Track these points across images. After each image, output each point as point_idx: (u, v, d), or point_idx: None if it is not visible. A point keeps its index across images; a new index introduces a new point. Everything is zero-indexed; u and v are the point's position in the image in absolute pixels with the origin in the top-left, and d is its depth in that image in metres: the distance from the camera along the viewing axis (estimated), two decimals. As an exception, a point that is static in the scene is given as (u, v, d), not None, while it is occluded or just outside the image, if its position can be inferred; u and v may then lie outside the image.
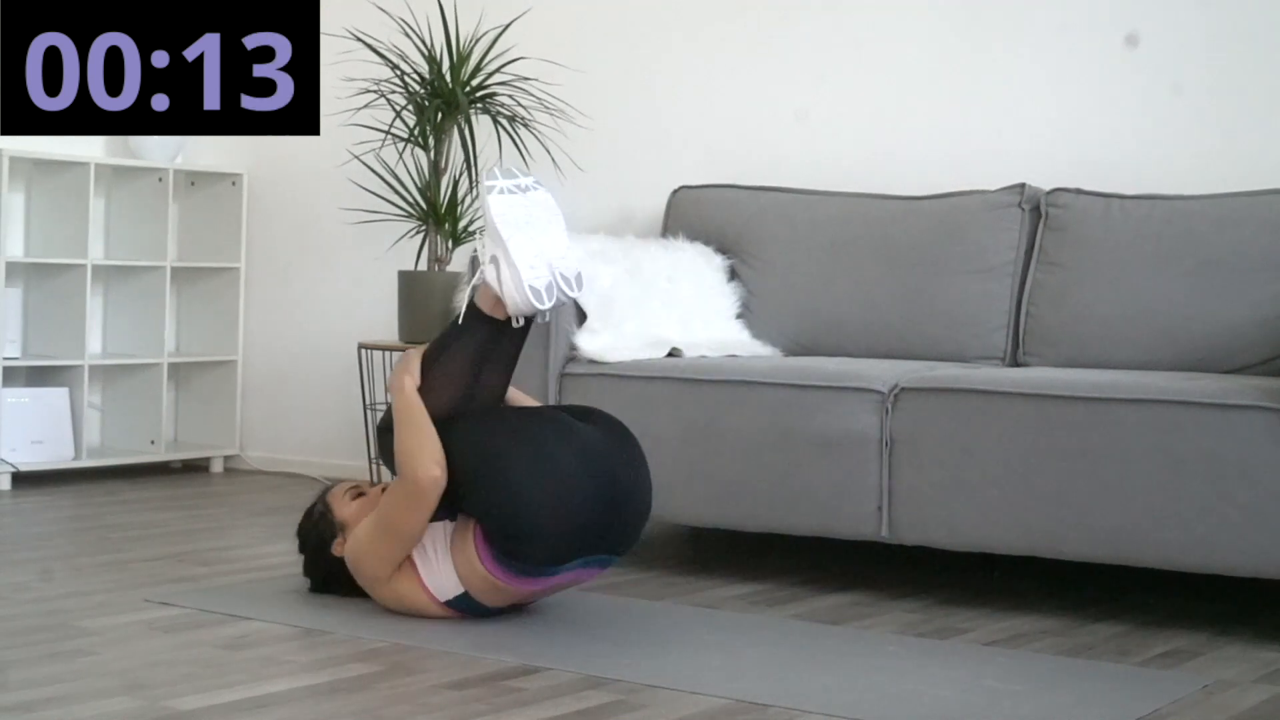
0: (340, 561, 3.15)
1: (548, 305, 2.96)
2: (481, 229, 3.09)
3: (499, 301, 2.99)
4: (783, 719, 2.49)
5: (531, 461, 2.93)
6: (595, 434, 3.05)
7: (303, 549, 3.27)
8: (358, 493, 3.23)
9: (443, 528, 3.03)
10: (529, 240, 2.97)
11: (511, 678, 2.67)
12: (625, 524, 3.04)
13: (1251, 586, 3.22)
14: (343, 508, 3.19)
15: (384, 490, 3.16)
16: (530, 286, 2.94)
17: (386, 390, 3.22)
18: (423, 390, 3.05)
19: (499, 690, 2.60)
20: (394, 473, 3.08)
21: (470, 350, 3.07)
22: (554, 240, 3.01)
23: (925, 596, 3.47)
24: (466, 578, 2.99)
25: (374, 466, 4.49)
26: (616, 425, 3.11)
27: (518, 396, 3.23)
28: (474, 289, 3.06)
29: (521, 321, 3.02)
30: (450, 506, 3.01)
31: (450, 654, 2.82)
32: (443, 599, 3.02)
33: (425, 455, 2.97)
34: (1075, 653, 3.00)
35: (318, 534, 3.22)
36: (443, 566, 3.00)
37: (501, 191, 3.02)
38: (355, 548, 3.10)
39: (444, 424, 3.01)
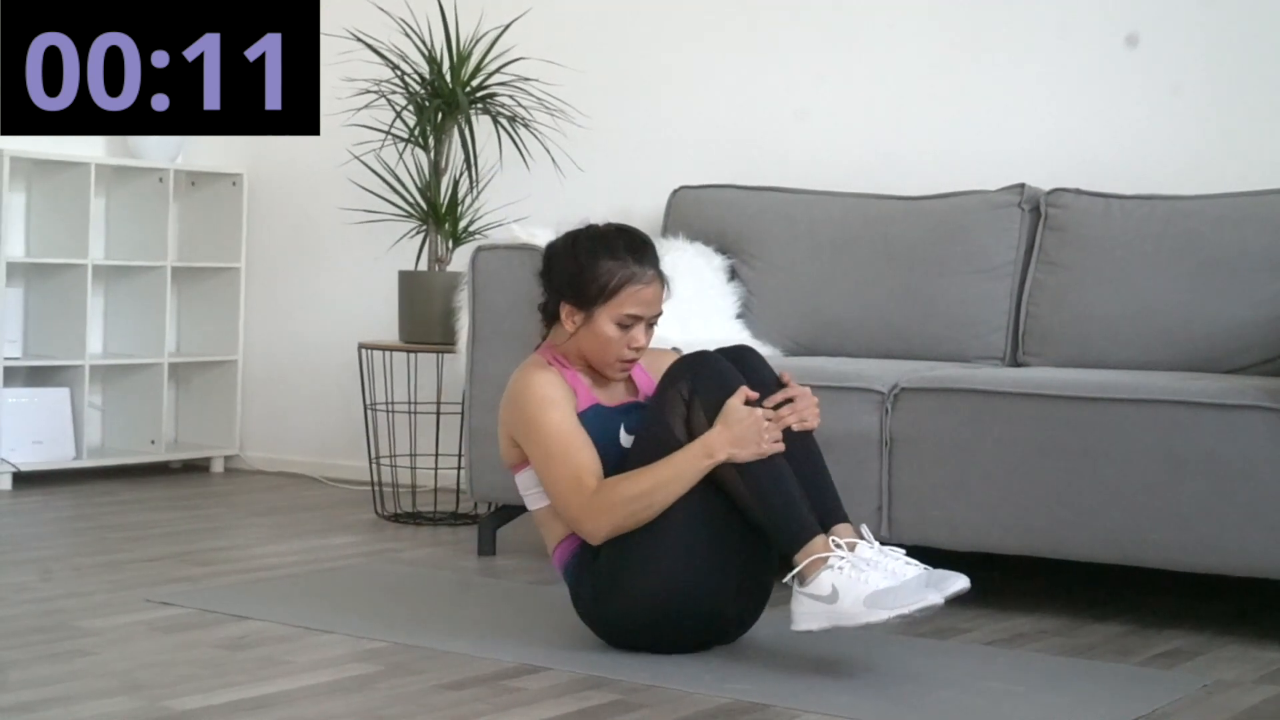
0: (555, 310, 2.92)
1: (792, 627, 2.73)
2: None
3: (799, 580, 2.70)
4: (782, 719, 2.49)
5: (668, 581, 2.76)
6: (741, 613, 2.89)
7: (569, 263, 2.90)
8: (627, 323, 2.87)
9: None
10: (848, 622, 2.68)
11: (512, 677, 2.67)
12: (680, 651, 2.88)
13: (1252, 586, 3.22)
14: (609, 310, 2.85)
15: (631, 357, 2.88)
16: (808, 629, 2.70)
17: (748, 444, 2.77)
18: (725, 472, 2.76)
19: (499, 690, 2.60)
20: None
21: (761, 523, 2.76)
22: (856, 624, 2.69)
23: (925, 596, 3.46)
24: (540, 522, 2.92)
25: (373, 467, 4.48)
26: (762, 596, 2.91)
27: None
28: (813, 547, 2.72)
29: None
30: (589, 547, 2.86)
31: (450, 654, 2.82)
32: (518, 479, 2.94)
33: (614, 530, 2.77)
34: (1076, 653, 3.00)
35: (584, 283, 2.86)
36: (537, 498, 2.90)
37: (905, 615, 2.64)
38: (524, 404, 2.85)
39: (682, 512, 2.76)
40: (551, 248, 2.98)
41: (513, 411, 2.90)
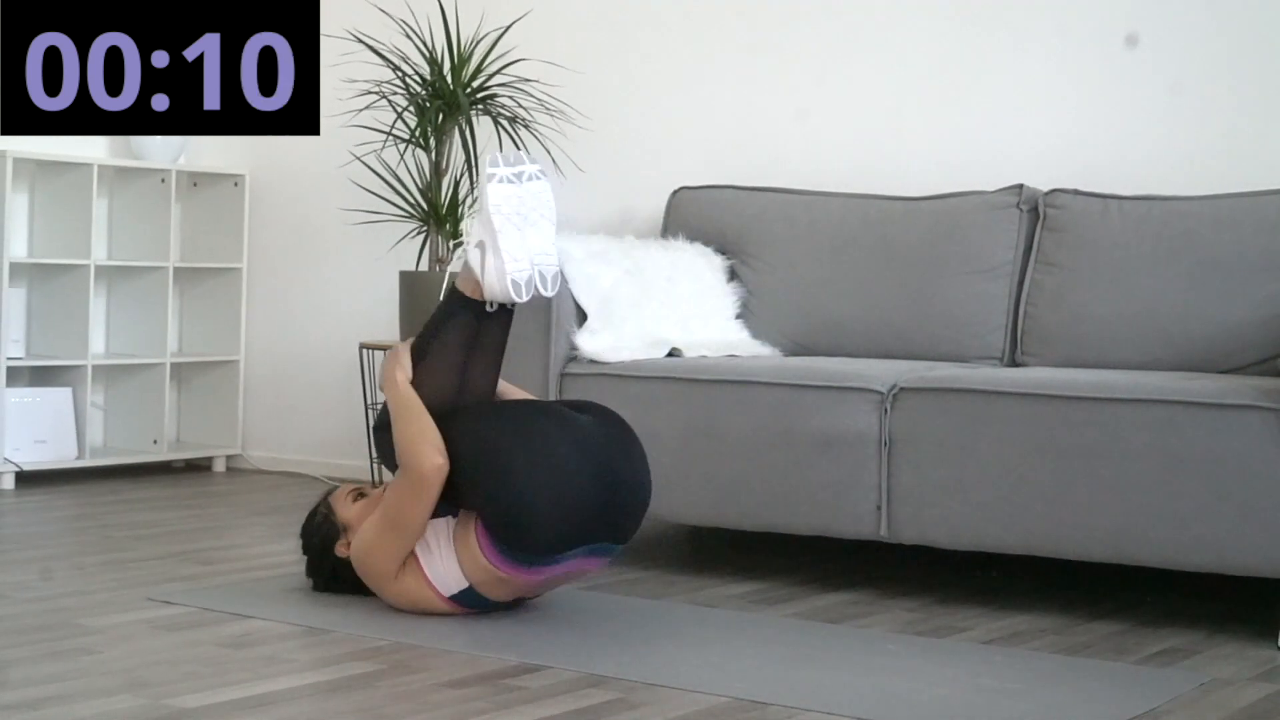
0: (344, 562, 3.17)
1: (523, 299, 3.02)
2: (476, 211, 3.13)
3: (479, 286, 3.05)
4: (782, 717, 2.50)
5: (529, 451, 2.96)
6: (592, 424, 3.08)
7: (306, 551, 3.28)
8: (359, 494, 3.25)
9: (445, 524, 3.05)
10: (517, 233, 3.02)
11: (512, 676, 2.68)
12: (624, 511, 3.07)
13: (1248, 585, 3.23)
14: (345, 509, 3.21)
15: (385, 490, 3.17)
16: (511, 279, 3.00)
17: (379, 388, 3.24)
18: (414, 383, 3.09)
19: (500, 689, 2.61)
20: (393, 470, 3.10)
21: (456, 338, 3.11)
22: (541, 237, 3.05)
23: (924, 595, 3.48)
24: (470, 571, 3.00)
25: (375, 466, 4.50)
26: (612, 416, 3.15)
27: (509, 390, 3.26)
28: (454, 273, 3.10)
29: (496, 307, 3.08)
30: (452, 502, 3.03)
31: (451, 652, 2.83)
32: (447, 594, 3.03)
33: (426, 443, 3.00)
34: (1073, 651, 3.01)
35: (321, 536, 3.24)
36: (447, 561, 3.02)
37: (501, 180, 3.05)
38: (360, 546, 3.11)
39: (440, 418, 3.05)
40: (308, 572, 3.31)
41: (367, 561, 3.11)
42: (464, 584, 3.02)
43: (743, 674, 2.74)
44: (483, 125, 4.55)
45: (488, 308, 3.09)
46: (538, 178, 3.09)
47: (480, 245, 3.03)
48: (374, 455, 4.47)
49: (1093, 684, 2.76)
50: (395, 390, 3.09)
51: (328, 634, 2.97)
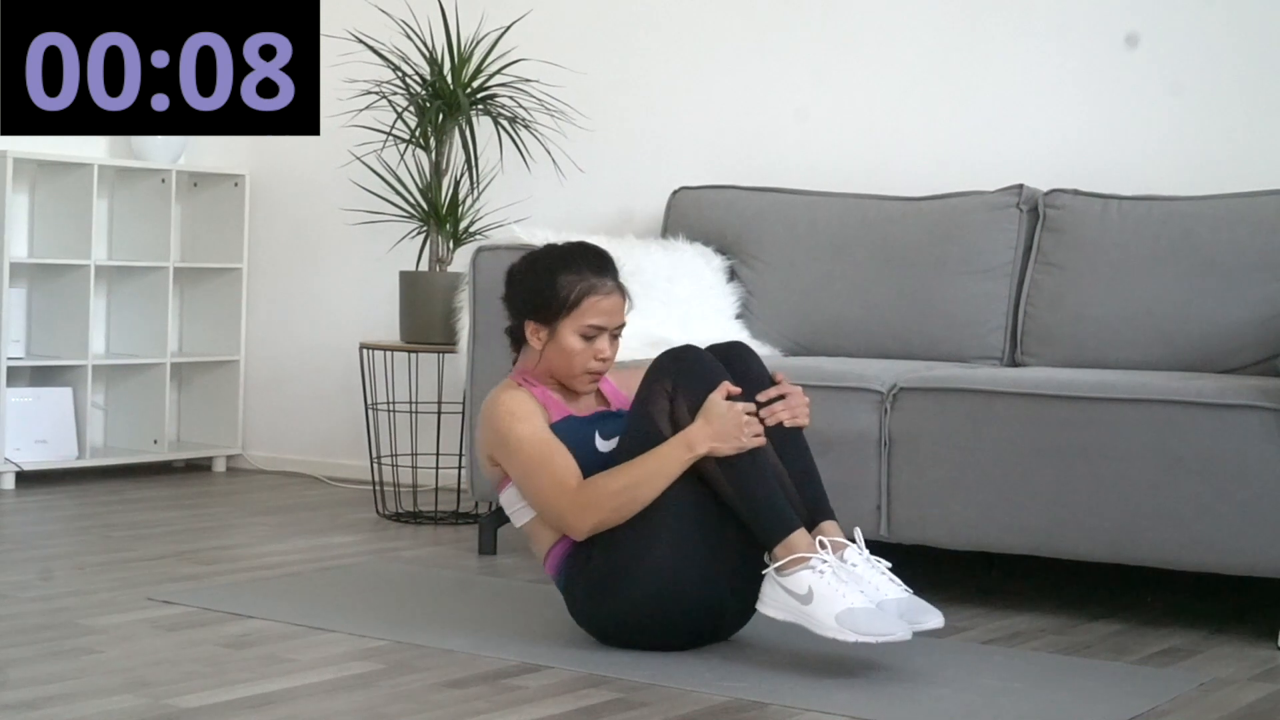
0: (521, 331, 2.99)
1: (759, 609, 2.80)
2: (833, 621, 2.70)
3: (777, 568, 2.74)
4: (782, 717, 2.50)
5: (661, 578, 2.78)
6: (736, 607, 2.89)
7: (524, 286, 2.98)
8: (591, 334, 2.92)
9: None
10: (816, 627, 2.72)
11: (512, 676, 2.69)
12: (682, 649, 2.91)
13: (1247, 585, 3.23)
14: (572, 323, 2.91)
15: (599, 368, 2.94)
16: (773, 617, 2.76)
17: (733, 437, 2.79)
18: (708, 467, 2.78)
19: (500, 688, 2.61)
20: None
21: (741, 514, 2.79)
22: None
23: (923, 595, 3.46)
24: (530, 536, 2.95)
25: (375, 466, 4.50)
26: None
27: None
28: (795, 541, 2.74)
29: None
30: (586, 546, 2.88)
31: (451, 652, 2.84)
32: (502, 501, 2.97)
33: (601, 525, 2.80)
34: (1073, 651, 3.01)
35: (545, 300, 2.92)
36: (524, 512, 2.93)
37: (868, 641, 2.68)
38: (502, 422, 2.89)
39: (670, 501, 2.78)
40: (511, 270, 3.03)
41: (488, 432, 2.94)
42: (516, 522, 2.95)
43: (743, 674, 2.74)
44: (483, 125, 4.55)
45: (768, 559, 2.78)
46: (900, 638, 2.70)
47: (810, 592, 2.69)
48: (376, 454, 4.47)
49: (1092, 684, 2.76)
50: (686, 456, 2.77)
51: (328, 634, 2.97)
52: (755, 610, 2.88)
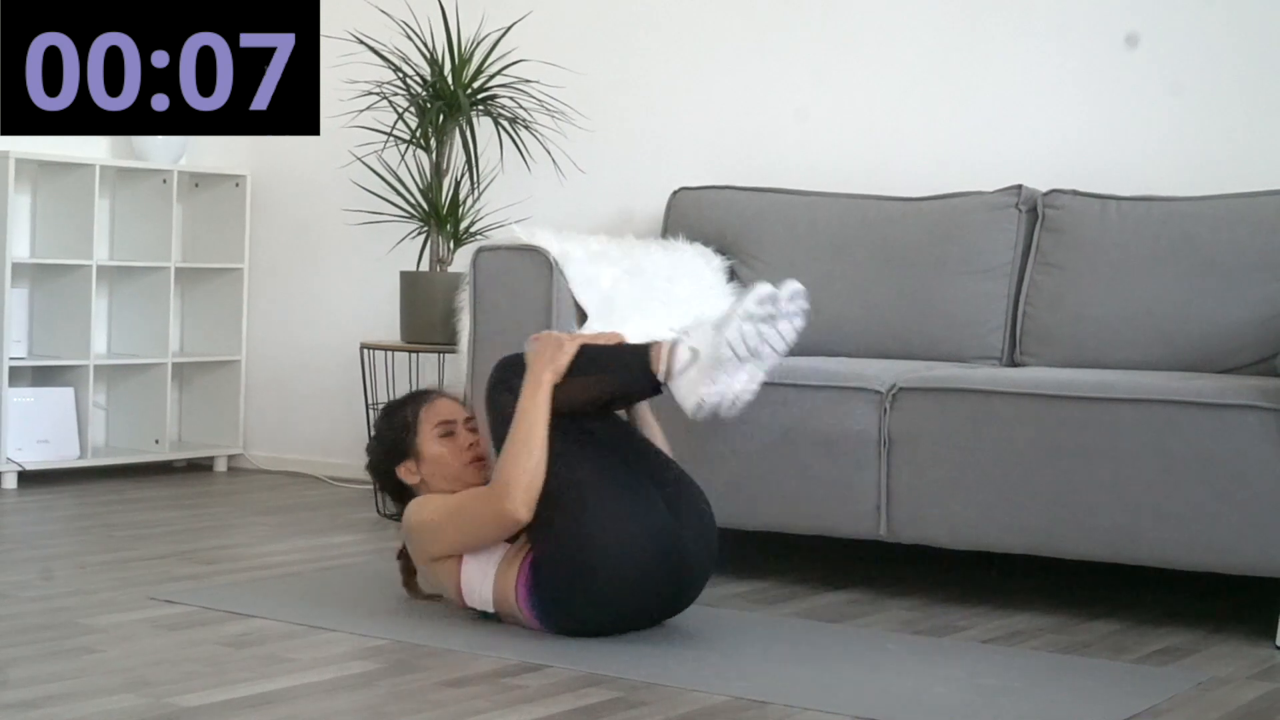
0: (402, 484, 3.15)
1: (696, 417, 2.89)
2: (713, 322, 2.89)
3: (669, 373, 2.90)
4: (781, 717, 2.51)
5: (616, 553, 2.86)
6: (681, 528, 2.94)
7: (375, 448, 3.21)
8: (447, 431, 3.14)
9: (495, 549, 2.99)
10: (738, 368, 2.85)
11: (512, 675, 2.69)
12: (672, 611, 3.03)
13: (1246, 584, 3.23)
14: (426, 438, 3.12)
15: (473, 453, 3.12)
16: (701, 400, 2.85)
17: (528, 358, 3.01)
18: (557, 387, 2.96)
19: (500, 688, 2.62)
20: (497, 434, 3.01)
21: (616, 385, 3.00)
22: (756, 376, 2.88)
23: (923, 595, 3.49)
24: (499, 602, 2.98)
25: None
26: (704, 509, 3.02)
27: (646, 417, 3.19)
28: (657, 343, 2.93)
29: (663, 391, 2.95)
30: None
31: (451, 651, 2.84)
32: (468, 602, 3.02)
33: (525, 491, 2.88)
34: (1072, 650, 3.02)
35: (394, 441, 3.15)
36: (485, 581, 2.99)
37: (755, 319, 2.84)
38: (419, 521, 3.03)
39: (556, 453, 2.90)
40: (368, 454, 3.25)
41: (415, 539, 3.07)
42: (490, 608, 3.01)
43: (743, 673, 2.75)
44: (483, 126, 4.55)
45: (659, 389, 2.94)
46: (795, 317, 2.88)
47: (694, 353, 2.87)
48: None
49: (1092, 683, 2.77)
50: (538, 394, 2.93)
51: (328, 633, 2.97)
52: (713, 539, 3.00)
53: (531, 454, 2.89)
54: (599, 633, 2.93)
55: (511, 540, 2.98)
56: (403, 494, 3.18)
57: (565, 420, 2.94)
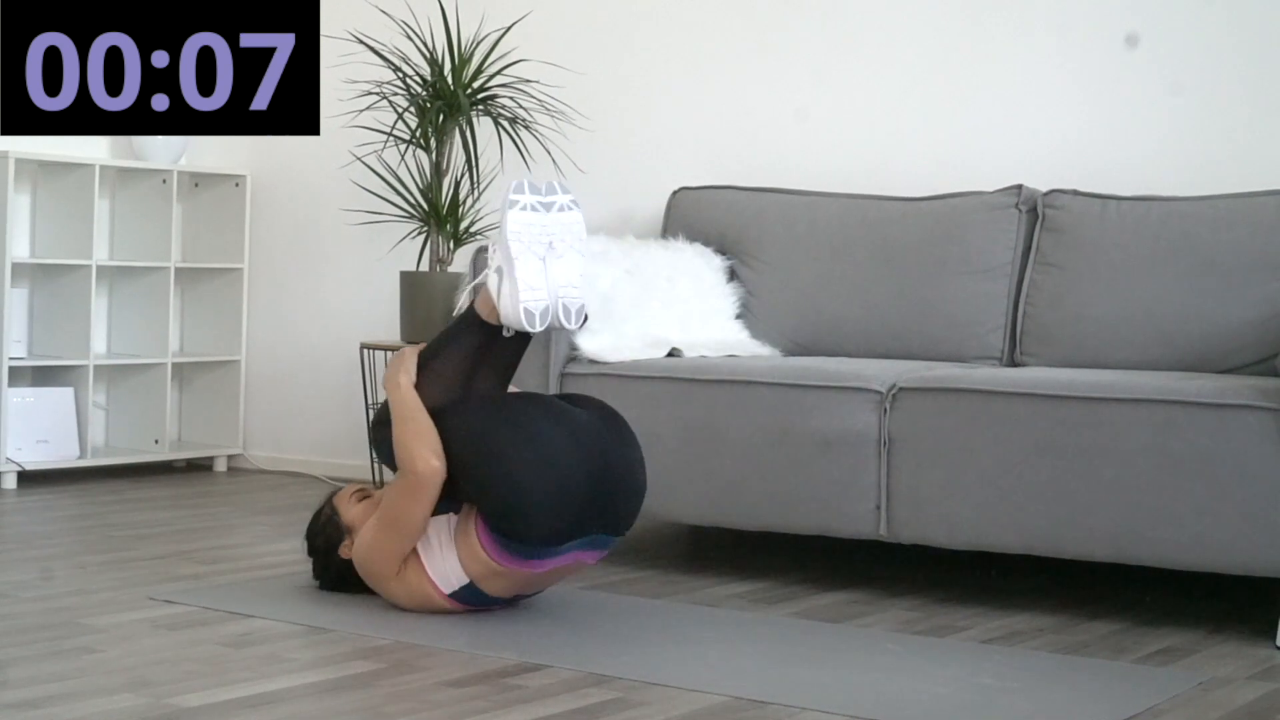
0: (349, 563, 3.19)
1: (538, 329, 2.98)
2: (496, 232, 3.09)
3: (494, 310, 3.03)
4: (782, 717, 2.51)
5: (523, 442, 2.97)
6: (585, 415, 3.09)
7: (311, 553, 3.31)
8: (363, 495, 3.27)
9: (447, 520, 3.07)
10: (539, 263, 2.97)
11: (512, 675, 2.69)
12: (620, 501, 3.08)
13: (1246, 584, 3.24)
14: (348, 510, 3.23)
15: (385, 491, 3.19)
16: (525, 308, 2.95)
17: (382, 386, 3.27)
18: (417, 387, 3.10)
19: (500, 687, 2.62)
20: (392, 469, 3.12)
21: (465, 352, 3.11)
22: (566, 269, 2.99)
23: (923, 595, 3.49)
24: (469, 566, 3.02)
25: (376, 466, 4.51)
26: (606, 408, 3.16)
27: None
28: (475, 290, 3.08)
29: (512, 333, 3.05)
30: (453, 499, 3.06)
31: (452, 651, 2.84)
32: (448, 591, 3.04)
33: (423, 446, 3.01)
34: (1072, 650, 3.02)
35: (325, 538, 3.26)
36: (447, 557, 3.03)
37: (524, 208, 3.00)
38: (361, 547, 3.13)
39: (439, 415, 3.06)
40: (316, 576, 3.32)
41: (365, 565, 3.14)
42: (464, 580, 3.03)
43: (743, 673, 2.75)
44: (483, 126, 4.55)
45: (504, 332, 3.05)
46: (569, 208, 3.04)
47: (498, 271, 3.00)
48: (374, 455, 4.47)
49: (1091, 683, 2.77)
50: (397, 392, 3.10)
51: (328, 633, 2.98)
52: (613, 414, 3.13)
53: (413, 419, 3.04)
54: (558, 539, 2.98)
55: (455, 510, 3.07)
56: (341, 577, 3.25)
57: (464, 402, 3.08)
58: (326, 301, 5.30)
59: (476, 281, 3.08)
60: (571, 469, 2.98)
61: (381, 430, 3.16)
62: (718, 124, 4.61)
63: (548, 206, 3.01)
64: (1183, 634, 3.16)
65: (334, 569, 3.25)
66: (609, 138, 4.70)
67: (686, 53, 4.67)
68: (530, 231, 2.98)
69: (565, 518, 2.98)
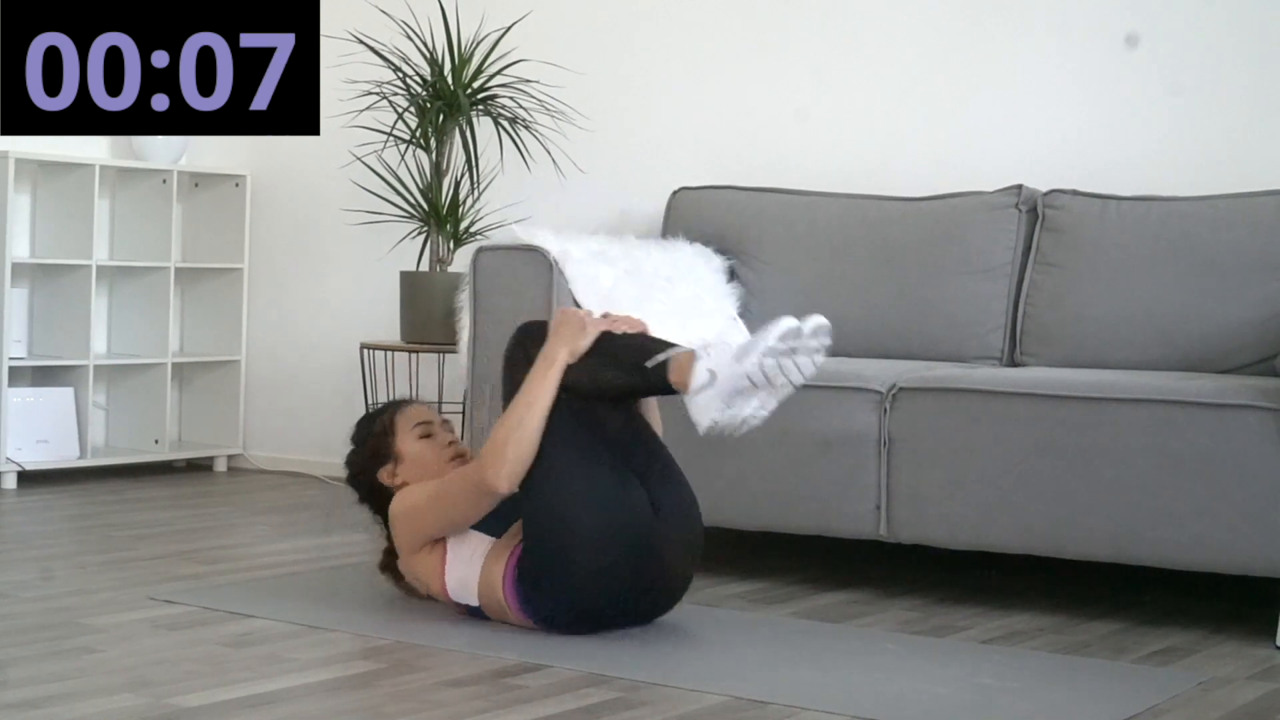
0: (383, 489, 3.14)
1: (704, 434, 2.86)
2: (738, 347, 2.81)
3: (684, 385, 2.84)
4: (782, 716, 2.51)
5: (598, 548, 2.86)
6: (664, 530, 2.94)
7: (353, 458, 3.23)
8: (425, 433, 3.16)
9: (482, 540, 3.00)
10: (753, 395, 2.82)
11: (513, 675, 2.69)
12: (657, 613, 3.04)
13: (1246, 584, 3.23)
14: (406, 441, 3.15)
15: (453, 450, 3.14)
16: (712, 422, 2.83)
17: (552, 330, 2.97)
18: (570, 369, 2.92)
19: (500, 687, 2.62)
20: (505, 395, 3.01)
21: (631, 384, 2.96)
22: (769, 404, 2.85)
23: (923, 595, 3.49)
24: (484, 594, 2.99)
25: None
26: (694, 512, 3.03)
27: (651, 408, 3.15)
28: (678, 354, 2.88)
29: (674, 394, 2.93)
30: (502, 517, 2.99)
31: (452, 651, 2.84)
32: (454, 597, 3.03)
33: (511, 464, 2.88)
34: (1072, 650, 3.02)
35: (371, 450, 3.18)
36: (469, 573, 3.00)
37: (773, 353, 2.78)
38: (402, 505, 3.05)
39: (554, 433, 2.90)
40: (347, 464, 3.27)
41: (400, 528, 3.06)
42: (474, 602, 3.01)
43: (743, 673, 2.75)
44: (483, 126, 4.55)
45: (675, 392, 2.90)
46: (815, 354, 2.83)
47: (712, 375, 2.81)
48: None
49: (1091, 683, 2.76)
50: (550, 371, 2.91)
51: (329, 633, 2.97)
52: (697, 532, 3.02)
53: (525, 430, 2.89)
54: (578, 624, 2.93)
55: (499, 534, 2.99)
56: (383, 503, 3.17)
57: (575, 401, 2.93)
58: (326, 301, 5.29)
59: (676, 352, 2.88)
60: (629, 593, 2.92)
61: (516, 360, 2.99)
62: (718, 124, 4.61)
63: (795, 352, 2.80)
64: (1183, 634, 3.16)
65: (368, 483, 3.19)
66: (609, 138, 4.70)
67: (686, 53, 4.67)
68: (765, 374, 2.80)
69: (598, 624, 2.95)
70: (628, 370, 2.93)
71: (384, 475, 3.15)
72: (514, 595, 2.95)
